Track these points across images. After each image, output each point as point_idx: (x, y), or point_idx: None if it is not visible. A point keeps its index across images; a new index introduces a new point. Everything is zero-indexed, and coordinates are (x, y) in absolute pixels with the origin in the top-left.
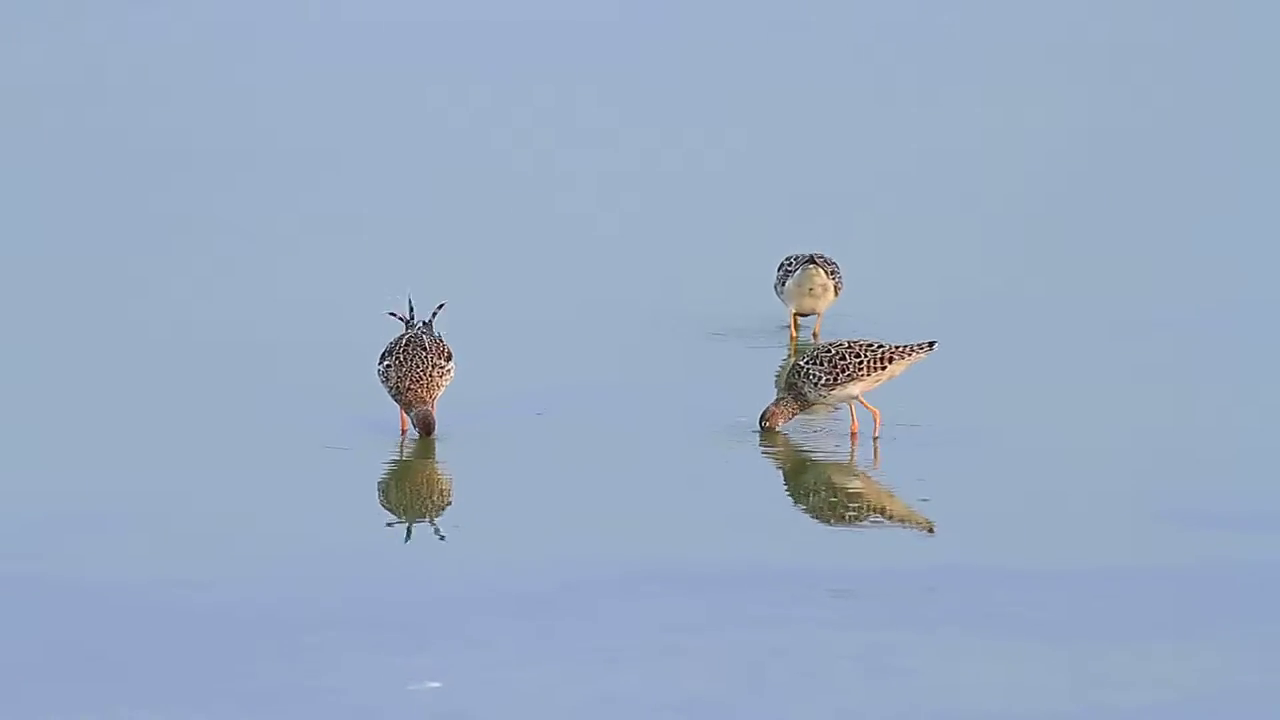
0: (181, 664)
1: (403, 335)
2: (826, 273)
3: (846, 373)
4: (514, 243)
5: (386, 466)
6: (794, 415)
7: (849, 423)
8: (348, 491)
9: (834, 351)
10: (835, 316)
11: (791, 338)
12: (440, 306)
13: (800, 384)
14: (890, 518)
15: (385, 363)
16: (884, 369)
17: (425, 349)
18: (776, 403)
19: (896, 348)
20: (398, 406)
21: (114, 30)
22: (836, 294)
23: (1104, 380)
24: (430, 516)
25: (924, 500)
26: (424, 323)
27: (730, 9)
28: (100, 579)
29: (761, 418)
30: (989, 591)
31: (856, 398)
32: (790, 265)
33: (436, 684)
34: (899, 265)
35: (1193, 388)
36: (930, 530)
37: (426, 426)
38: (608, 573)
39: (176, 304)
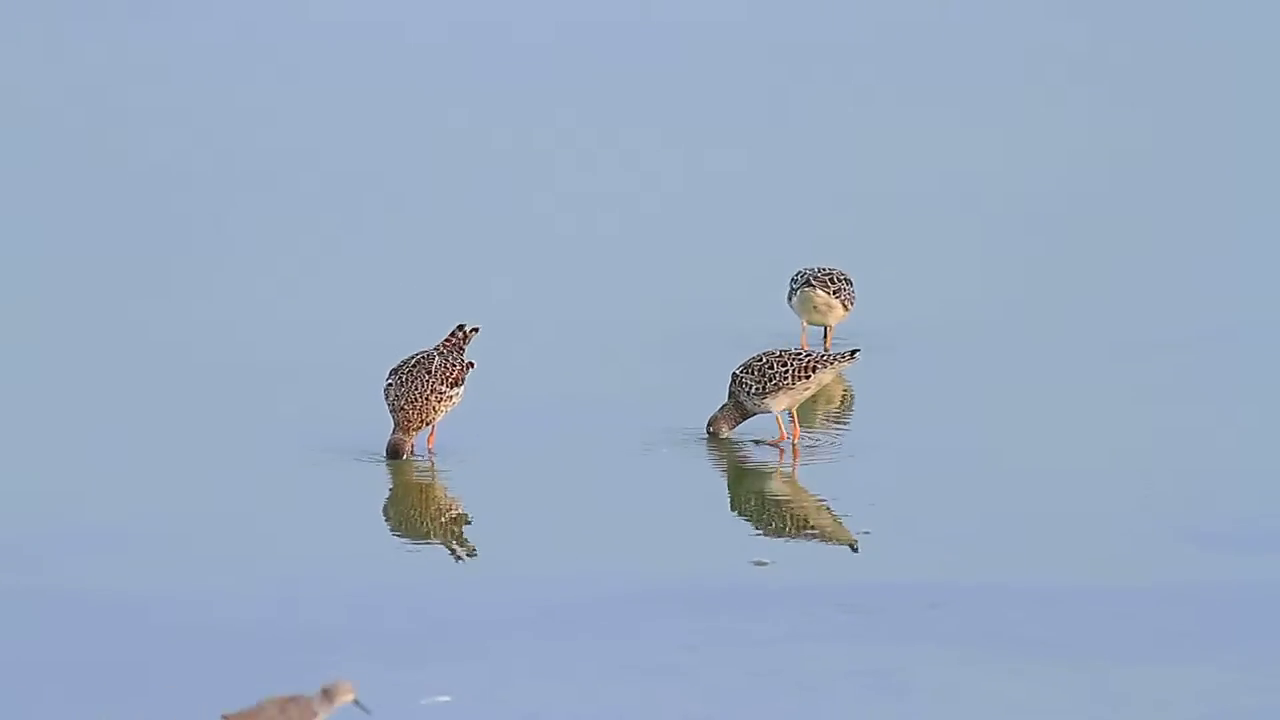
0: (195, 681)
1: (414, 355)
2: (829, 291)
3: (774, 381)
4: (523, 254)
5: (394, 484)
6: (737, 422)
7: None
8: (356, 509)
9: (764, 361)
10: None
11: (802, 348)
12: (475, 330)
13: (737, 392)
14: (888, 532)
15: (389, 380)
16: (809, 377)
17: (429, 373)
18: (720, 410)
19: (821, 357)
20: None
21: (119, 46)
22: (846, 309)
23: (1106, 399)
24: (438, 534)
25: (865, 533)
26: (447, 345)
27: (730, 21)
28: (111, 595)
29: (708, 425)
30: (992, 609)
31: (781, 411)
32: (796, 281)
33: (446, 698)
34: (900, 283)
35: (1195, 407)
36: (854, 548)
37: (394, 453)
38: (615, 590)
39: (184, 320)
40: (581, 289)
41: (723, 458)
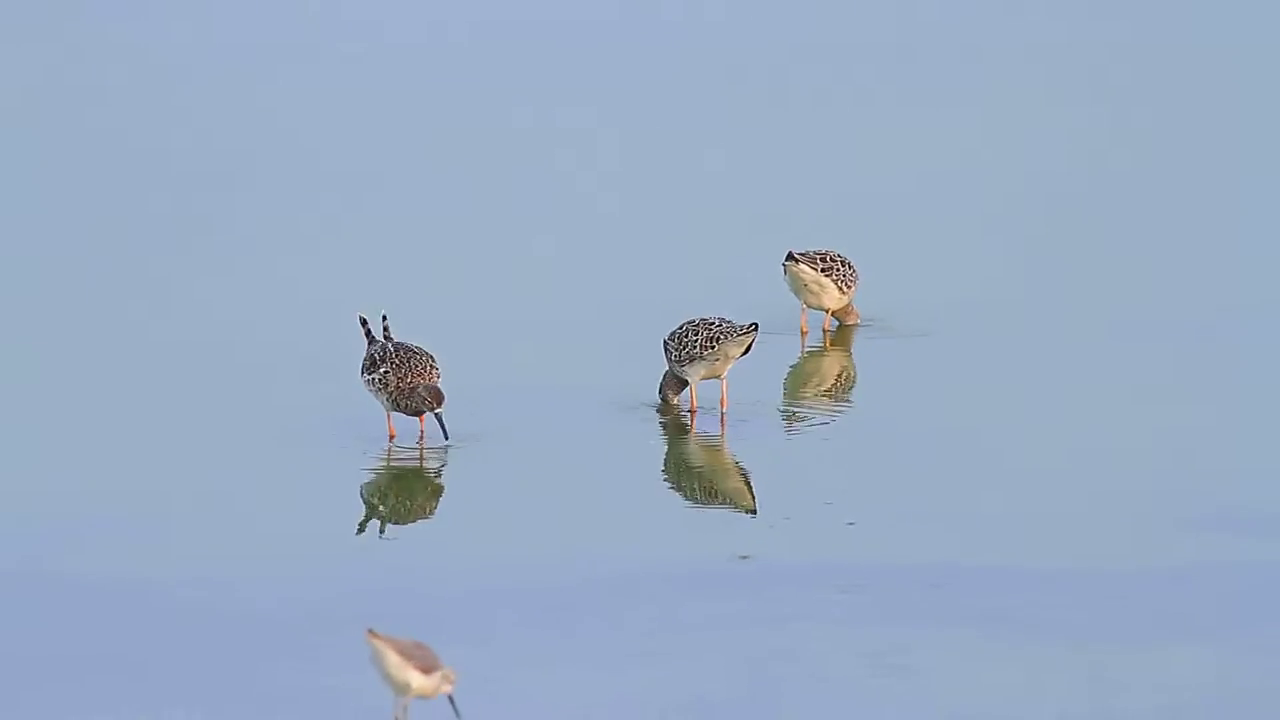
0: (196, 665)
1: (382, 345)
2: (817, 269)
3: (686, 350)
4: (519, 249)
5: (391, 470)
6: (678, 390)
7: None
8: (349, 496)
9: (683, 329)
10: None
11: (801, 332)
12: (384, 317)
13: (667, 360)
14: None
15: (382, 369)
16: (714, 347)
17: (416, 352)
18: (664, 378)
19: (725, 327)
20: (388, 413)
21: (119, 44)
22: (843, 292)
23: (1105, 386)
24: (436, 518)
25: (851, 523)
26: (387, 337)
27: (730, 14)
28: (115, 580)
29: (659, 392)
30: (993, 591)
31: (697, 380)
32: None
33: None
34: (898, 275)
35: (1197, 390)
36: (751, 513)
37: (438, 396)
38: (610, 573)
39: (184, 308)
40: (576, 284)
41: (707, 438)
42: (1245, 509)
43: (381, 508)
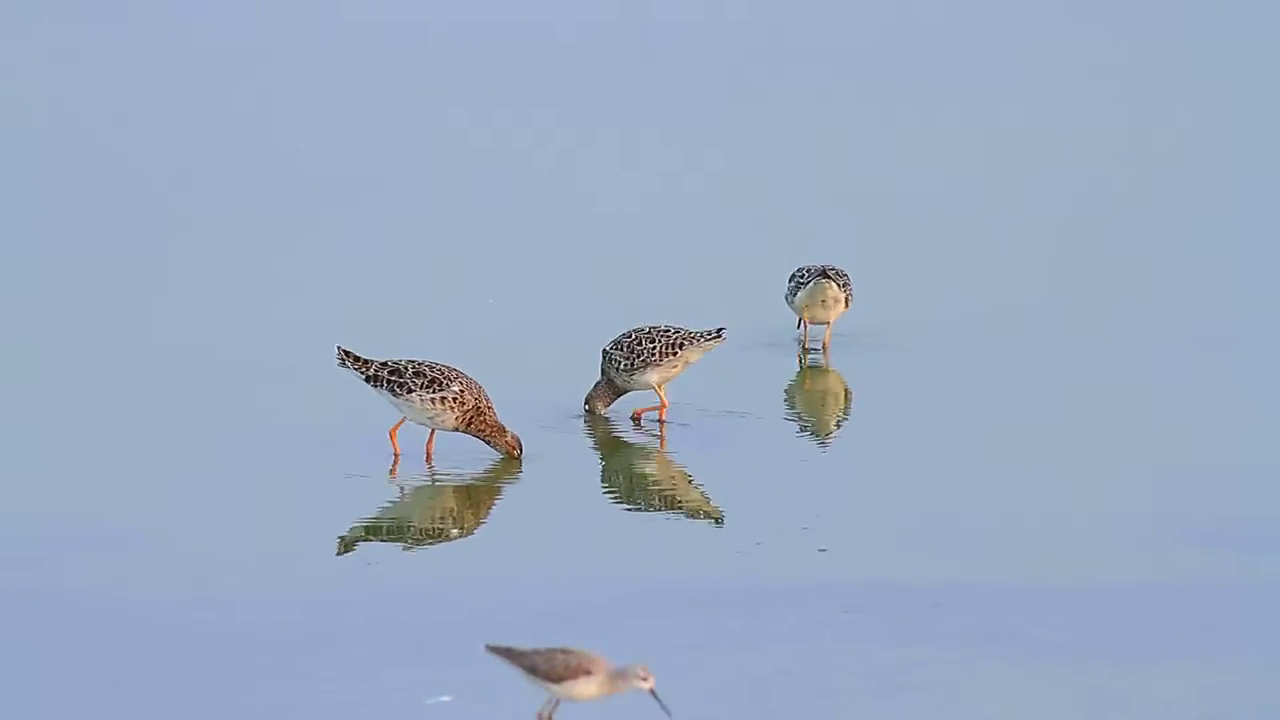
0: (199, 681)
1: (425, 364)
2: (839, 285)
3: (642, 358)
4: (519, 253)
5: (393, 486)
6: (611, 399)
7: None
8: (357, 511)
9: (634, 337)
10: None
11: (804, 347)
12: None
13: (607, 369)
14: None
15: (455, 388)
16: (676, 355)
17: (466, 374)
18: (594, 388)
19: (689, 335)
20: (433, 431)
21: (119, 46)
22: (847, 305)
23: (1106, 399)
24: (432, 535)
25: (822, 550)
26: (378, 362)
27: (728, 26)
28: (116, 597)
29: (585, 401)
30: (994, 609)
31: (655, 385)
32: (802, 277)
33: (448, 698)
34: (898, 282)
35: (1195, 406)
36: (719, 522)
37: (521, 445)
38: (615, 591)
39: (184, 320)
40: (577, 288)
41: (698, 449)
42: (1244, 525)
43: (381, 525)
